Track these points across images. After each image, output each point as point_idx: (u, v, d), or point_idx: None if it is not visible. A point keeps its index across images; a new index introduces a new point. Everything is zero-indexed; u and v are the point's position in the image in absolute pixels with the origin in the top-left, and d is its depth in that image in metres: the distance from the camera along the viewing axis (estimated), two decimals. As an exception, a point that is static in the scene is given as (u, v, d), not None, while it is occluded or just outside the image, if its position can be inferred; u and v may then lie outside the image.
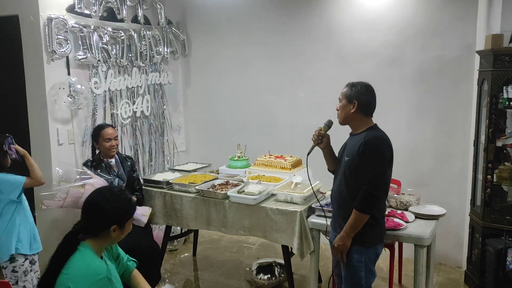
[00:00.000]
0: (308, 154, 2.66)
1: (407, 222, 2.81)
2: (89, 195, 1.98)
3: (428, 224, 2.82)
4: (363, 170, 2.34)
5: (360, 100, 2.43)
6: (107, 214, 1.89)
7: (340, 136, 2.63)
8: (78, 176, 3.24)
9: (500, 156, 3.29)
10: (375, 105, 2.49)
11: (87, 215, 1.92)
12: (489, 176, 3.24)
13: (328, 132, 2.62)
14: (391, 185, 3.37)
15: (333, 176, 2.64)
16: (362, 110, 2.45)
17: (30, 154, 3.52)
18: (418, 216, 2.91)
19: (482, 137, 3.32)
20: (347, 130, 2.56)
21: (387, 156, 2.40)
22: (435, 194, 3.69)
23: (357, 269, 2.42)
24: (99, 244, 1.92)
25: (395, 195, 3.14)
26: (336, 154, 2.65)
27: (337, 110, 2.54)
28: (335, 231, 2.54)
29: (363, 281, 2.43)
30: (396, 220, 2.80)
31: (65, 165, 3.49)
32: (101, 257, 1.94)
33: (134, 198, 3.17)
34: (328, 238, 2.72)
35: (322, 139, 2.60)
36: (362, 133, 2.43)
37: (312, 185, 2.82)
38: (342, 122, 2.53)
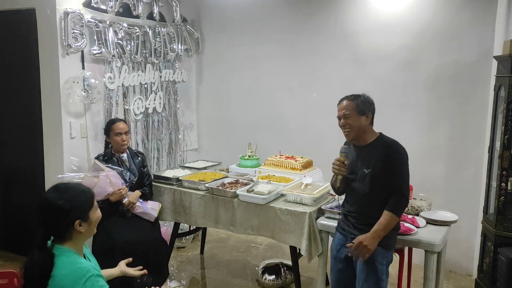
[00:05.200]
0: (339, 191, 2.62)
1: (418, 227, 2.77)
2: (42, 197, 1.78)
3: (439, 230, 2.77)
4: (392, 176, 2.36)
5: (371, 110, 2.46)
6: (63, 213, 1.71)
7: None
8: (90, 168, 3.26)
9: (515, 164, 3.22)
10: None
11: (43, 219, 1.74)
12: (503, 184, 3.18)
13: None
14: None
15: None
16: (371, 121, 2.48)
17: (42, 146, 3.58)
18: (430, 221, 2.87)
19: (497, 144, 3.26)
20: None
21: (407, 158, 2.44)
22: (447, 200, 3.65)
23: (380, 272, 2.42)
24: (74, 244, 1.77)
25: (407, 200, 3.09)
26: None
27: (343, 126, 2.45)
28: (348, 236, 2.52)
29: (383, 284, 2.45)
30: (406, 225, 2.76)
31: (77, 158, 3.53)
32: (84, 256, 1.83)
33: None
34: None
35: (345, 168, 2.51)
36: (375, 142, 2.45)
37: (322, 187, 2.80)
38: (356, 137, 2.47)
